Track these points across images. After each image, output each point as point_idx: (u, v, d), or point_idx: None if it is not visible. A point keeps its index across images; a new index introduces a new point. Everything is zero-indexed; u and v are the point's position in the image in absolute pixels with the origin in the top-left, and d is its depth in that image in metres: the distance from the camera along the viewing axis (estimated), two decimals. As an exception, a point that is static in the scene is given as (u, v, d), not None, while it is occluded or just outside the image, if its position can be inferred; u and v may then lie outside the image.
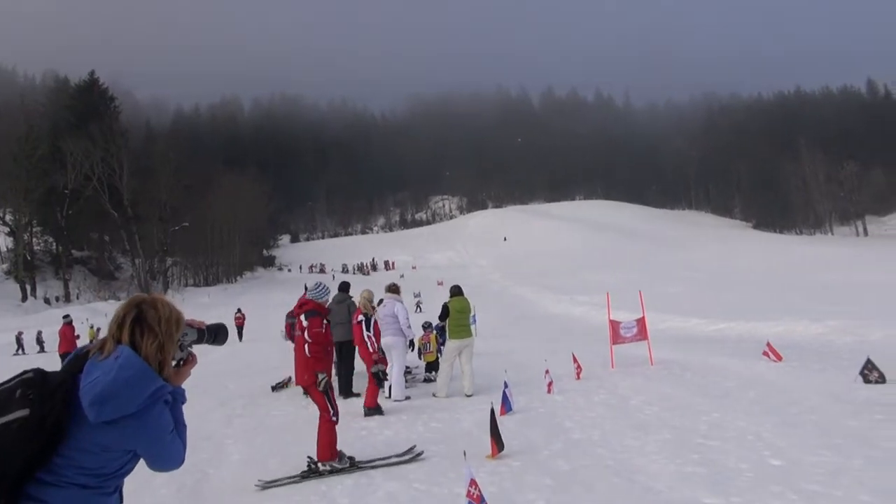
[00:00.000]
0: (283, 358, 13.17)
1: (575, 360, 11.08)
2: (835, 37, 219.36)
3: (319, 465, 5.84)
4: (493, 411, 6.00)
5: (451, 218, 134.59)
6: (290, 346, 11.63)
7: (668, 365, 12.26)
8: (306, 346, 6.15)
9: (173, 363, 2.11)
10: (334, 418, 6.03)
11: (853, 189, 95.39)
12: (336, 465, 5.86)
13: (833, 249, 69.60)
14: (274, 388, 11.52)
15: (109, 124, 67.87)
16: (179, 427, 2.08)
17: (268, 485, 5.58)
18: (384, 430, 7.51)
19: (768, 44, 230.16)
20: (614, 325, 12.09)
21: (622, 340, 12.09)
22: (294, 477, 5.75)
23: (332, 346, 7.00)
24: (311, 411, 9.28)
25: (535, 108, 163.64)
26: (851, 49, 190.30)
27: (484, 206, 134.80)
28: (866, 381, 8.55)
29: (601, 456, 5.75)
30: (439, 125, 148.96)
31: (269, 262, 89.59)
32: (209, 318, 2.42)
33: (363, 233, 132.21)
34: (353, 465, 5.89)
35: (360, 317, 9.33)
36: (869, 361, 8.84)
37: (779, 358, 11.85)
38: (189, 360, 2.18)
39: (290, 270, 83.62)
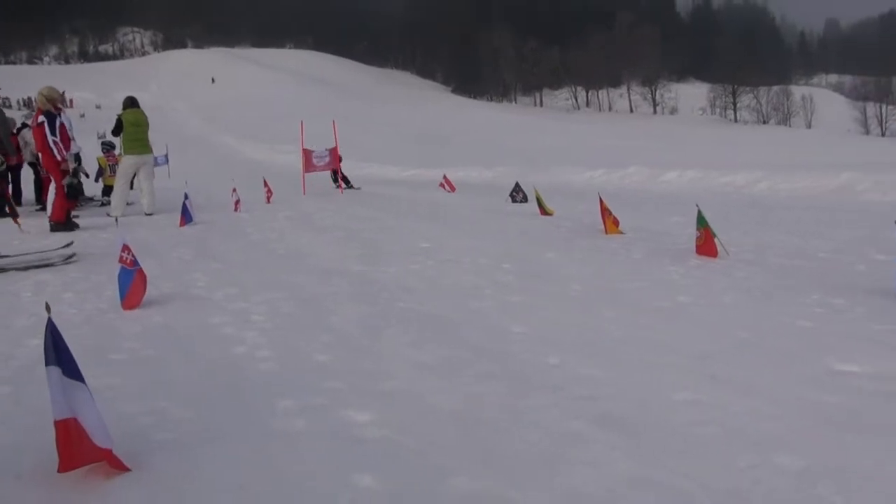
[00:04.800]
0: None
1: (266, 185, 11.14)
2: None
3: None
4: None
5: (143, 54, 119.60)
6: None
7: (357, 194, 13.03)
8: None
9: None
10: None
11: (535, 64, 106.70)
12: None
13: (515, 117, 78.23)
14: None
15: None
16: None
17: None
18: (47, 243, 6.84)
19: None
20: (307, 154, 12.30)
21: (314, 169, 12.40)
22: None
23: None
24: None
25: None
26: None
27: (183, 45, 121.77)
28: (513, 200, 10.17)
29: (275, 249, 6.04)
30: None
31: None
32: None
33: (30, 62, 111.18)
34: None
35: (42, 118, 8.00)
36: (517, 185, 10.47)
37: (453, 189, 13.37)
38: None
39: (-74, 101, 67.07)
